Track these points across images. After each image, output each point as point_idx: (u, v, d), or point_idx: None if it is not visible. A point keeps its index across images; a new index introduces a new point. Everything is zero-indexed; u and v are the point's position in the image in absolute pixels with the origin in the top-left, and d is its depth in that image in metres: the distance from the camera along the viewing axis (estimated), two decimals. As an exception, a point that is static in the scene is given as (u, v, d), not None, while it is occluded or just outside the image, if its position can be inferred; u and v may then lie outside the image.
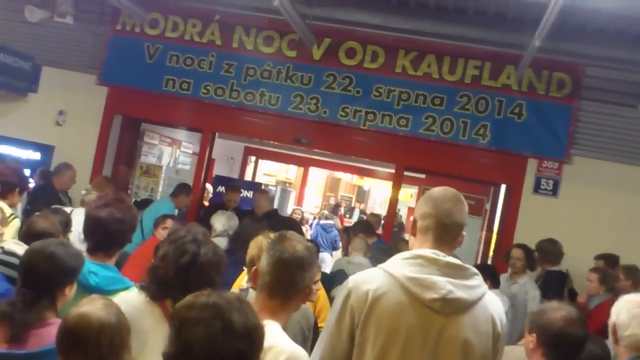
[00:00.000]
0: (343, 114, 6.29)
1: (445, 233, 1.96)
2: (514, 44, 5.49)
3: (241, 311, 1.53)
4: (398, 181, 6.53)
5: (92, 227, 2.55)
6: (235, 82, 6.54)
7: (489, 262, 6.31)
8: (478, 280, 1.92)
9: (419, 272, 1.86)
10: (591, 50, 5.56)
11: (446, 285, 1.84)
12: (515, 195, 6.03)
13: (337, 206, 15.95)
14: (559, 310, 2.28)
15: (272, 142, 8.40)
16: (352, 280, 1.94)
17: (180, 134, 8.54)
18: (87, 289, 2.38)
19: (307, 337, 2.87)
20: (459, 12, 5.66)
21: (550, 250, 5.30)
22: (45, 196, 5.50)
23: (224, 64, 6.58)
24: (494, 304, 1.94)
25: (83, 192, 5.33)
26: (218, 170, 10.16)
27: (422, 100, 6.15)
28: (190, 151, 8.82)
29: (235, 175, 11.39)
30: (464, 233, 2.01)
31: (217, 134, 7.12)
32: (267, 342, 1.80)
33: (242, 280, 3.32)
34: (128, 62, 6.84)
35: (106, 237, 2.52)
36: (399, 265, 1.91)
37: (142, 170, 7.72)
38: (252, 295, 2.95)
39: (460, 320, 1.84)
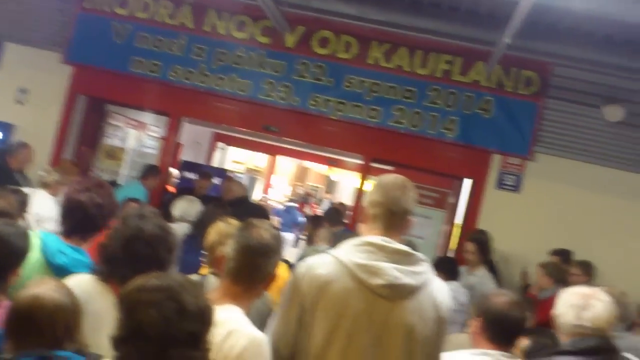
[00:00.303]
0: (314, 103, 6.29)
1: (394, 220, 2.02)
2: (485, 40, 5.54)
3: (192, 293, 1.55)
4: (366, 172, 6.56)
5: (70, 210, 2.54)
6: (205, 66, 6.46)
7: (451, 254, 6.39)
8: (424, 266, 1.99)
9: (367, 259, 1.92)
10: (560, 50, 5.65)
11: (393, 272, 1.90)
12: (479, 189, 6.14)
13: (308, 195, 16.19)
14: (501, 296, 2.46)
15: (240, 129, 8.34)
16: (302, 265, 1.99)
17: (147, 117, 8.40)
18: (54, 269, 2.37)
19: (266, 323, 2.88)
20: (433, 6, 5.68)
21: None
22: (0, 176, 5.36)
23: (195, 48, 6.49)
24: (439, 290, 2.01)
25: (42, 173, 5.21)
26: (185, 155, 10.04)
27: (393, 93, 6.19)
28: (157, 135, 8.69)
29: (203, 161, 11.29)
30: (413, 218, 2.08)
31: (184, 118, 7.03)
32: (230, 326, 1.84)
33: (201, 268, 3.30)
34: (95, 42, 6.69)
35: (84, 221, 2.50)
36: (349, 251, 1.96)
37: (105, 152, 7.57)
38: (211, 281, 2.95)
39: (405, 305, 1.91)
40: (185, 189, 6.93)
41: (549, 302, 3.47)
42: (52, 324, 1.81)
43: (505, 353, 2.34)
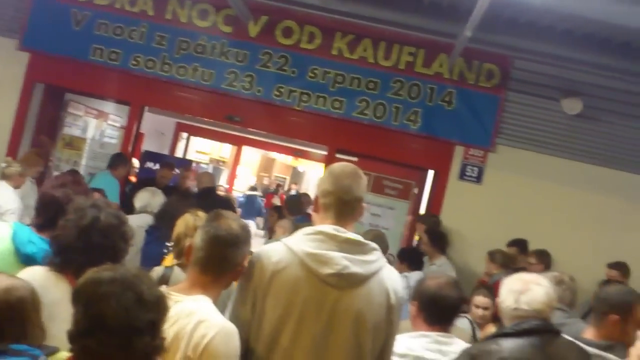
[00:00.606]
0: (277, 93, 6.35)
1: (345, 208, 2.08)
2: (448, 33, 5.69)
3: (147, 282, 1.60)
4: (330, 163, 6.62)
5: (45, 205, 2.63)
6: (167, 55, 6.45)
7: (416, 245, 6.56)
8: (375, 255, 2.06)
9: (318, 248, 1.98)
10: (520, 44, 5.83)
11: (342, 261, 1.96)
12: (442, 180, 6.32)
13: (278, 186, 16.33)
14: (435, 279, 2.62)
15: (203, 118, 8.34)
16: (256, 254, 2.06)
17: (108, 106, 8.32)
18: (22, 258, 2.46)
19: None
20: (396, -2, 5.80)
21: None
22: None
23: (156, 36, 6.47)
24: (390, 277, 2.08)
25: (2, 164, 5.16)
26: (148, 145, 9.99)
27: (357, 84, 6.29)
28: (118, 124, 8.61)
29: (166, 152, 11.23)
30: (365, 205, 2.14)
31: (146, 107, 7.00)
32: (199, 316, 1.88)
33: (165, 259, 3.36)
34: (53, 28, 6.59)
35: (58, 216, 2.54)
36: (301, 240, 2.03)
37: (64, 142, 7.48)
38: (176, 272, 3.01)
39: (354, 293, 1.98)
40: (146, 179, 6.92)
41: (494, 287, 3.68)
42: (36, 310, 1.85)
43: (442, 334, 2.47)
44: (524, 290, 2.35)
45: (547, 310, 2.34)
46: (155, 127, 10.43)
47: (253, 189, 12.41)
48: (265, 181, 17.09)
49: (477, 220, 6.12)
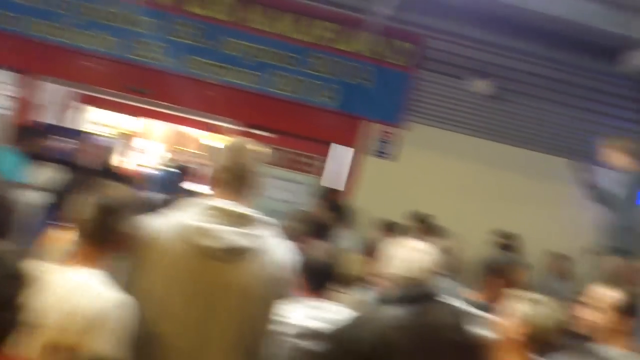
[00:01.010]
0: (191, 65, 6.24)
1: (239, 184, 2.14)
2: (367, 11, 5.81)
3: (10, 257, 1.59)
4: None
5: None
6: (68, 20, 6.14)
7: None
8: (264, 229, 2.13)
9: (206, 222, 2.04)
10: (436, 24, 6.05)
11: (227, 235, 2.03)
12: (356, 157, 6.49)
13: (199, 164, 16.11)
14: (314, 248, 2.85)
15: (108, 90, 8.03)
16: (143, 226, 2.08)
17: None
18: None
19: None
20: (315, -28, 5.83)
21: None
22: None
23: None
24: (279, 251, 2.17)
25: None
26: (46, 117, 9.48)
27: (274, 58, 6.29)
28: (11, 94, 8.12)
29: (66, 124, 10.72)
30: (262, 179, 2.20)
31: (42, 77, 6.66)
32: (87, 288, 1.90)
33: (61, 235, 3.27)
34: None
35: None
36: (189, 214, 2.07)
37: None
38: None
39: (239, 266, 2.05)
40: (30, 152, 6.57)
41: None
42: None
43: (322, 300, 2.63)
44: (404, 258, 2.45)
45: (427, 277, 2.44)
46: (55, 98, 9.92)
47: (169, 165, 12.22)
48: (180, 157, 16.72)
49: (389, 196, 6.35)
